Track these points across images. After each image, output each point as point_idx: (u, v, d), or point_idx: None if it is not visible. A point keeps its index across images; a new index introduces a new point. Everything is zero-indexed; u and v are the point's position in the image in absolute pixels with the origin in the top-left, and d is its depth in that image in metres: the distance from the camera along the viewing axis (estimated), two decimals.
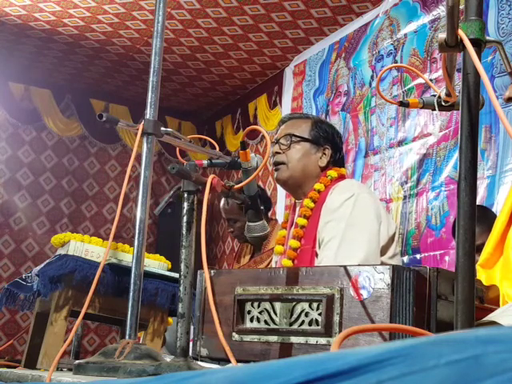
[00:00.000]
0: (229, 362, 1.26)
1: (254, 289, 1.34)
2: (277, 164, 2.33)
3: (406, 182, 4.05)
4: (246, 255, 3.57)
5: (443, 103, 1.37)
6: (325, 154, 2.33)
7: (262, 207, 1.65)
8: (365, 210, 2.14)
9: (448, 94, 1.33)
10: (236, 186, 1.45)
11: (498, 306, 1.45)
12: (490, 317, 1.32)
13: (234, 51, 5.66)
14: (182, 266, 1.30)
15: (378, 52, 4.51)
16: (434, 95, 1.40)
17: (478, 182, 3.25)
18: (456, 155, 3.66)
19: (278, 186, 4.41)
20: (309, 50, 5.38)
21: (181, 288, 1.29)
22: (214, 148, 1.75)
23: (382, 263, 2.09)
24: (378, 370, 0.43)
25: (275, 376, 0.47)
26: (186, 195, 1.34)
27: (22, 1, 4.95)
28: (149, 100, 1.52)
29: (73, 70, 6.30)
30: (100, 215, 6.82)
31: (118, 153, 6.94)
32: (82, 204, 6.74)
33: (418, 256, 3.87)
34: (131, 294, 1.39)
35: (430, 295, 1.17)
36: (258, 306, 1.34)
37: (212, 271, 1.43)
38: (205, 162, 1.63)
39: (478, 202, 1.53)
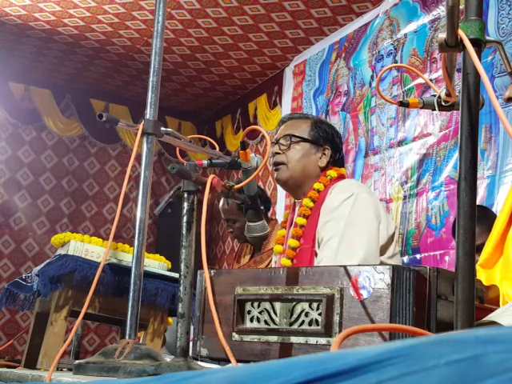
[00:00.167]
0: (229, 361, 1.26)
1: (253, 289, 1.34)
2: (277, 164, 2.33)
3: (406, 182, 4.05)
4: (246, 255, 3.57)
5: (443, 103, 1.37)
6: (324, 154, 2.33)
7: (261, 207, 1.65)
8: (364, 209, 2.14)
9: (448, 94, 1.33)
10: (236, 186, 1.45)
11: (498, 305, 1.45)
12: (490, 317, 1.32)
13: (233, 51, 5.66)
14: (182, 266, 1.30)
15: (378, 52, 4.51)
16: (434, 95, 1.40)
17: (478, 182, 3.25)
18: (456, 155, 3.66)
19: (278, 186, 4.40)
20: (309, 50, 5.38)
21: (181, 288, 1.29)
22: (214, 148, 1.75)
23: (382, 263, 2.09)
24: (377, 370, 0.43)
25: (275, 376, 0.47)
26: (185, 195, 1.34)
27: (22, 1, 4.95)
28: (149, 100, 1.52)
29: (73, 70, 6.30)
30: (100, 215, 6.82)
31: (117, 153, 6.94)
32: (82, 204, 6.74)
33: (417, 256, 3.87)
34: (131, 294, 1.39)
35: (430, 295, 1.17)
36: (258, 306, 1.34)
37: (212, 271, 1.43)
38: (205, 162, 1.63)
39: (478, 202, 1.53)
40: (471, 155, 0.86)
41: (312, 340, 1.22)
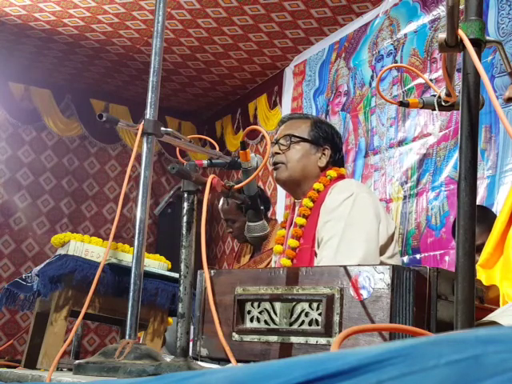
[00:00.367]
0: (229, 361, 1.26)
1: (253, 289, 1.34)
2: (276, 164, 2.33)
3: (406, 182, 4.05)
4: (246, 255, 3.57)
5: (443, 103, 1.37)
6: (324, 154, 2.33)
7: (261, 207, 1.65)
8: (364, 209, 2.14)
9: (448, 94, 1.33)
10: (236, 186, 1.45)
11: (498, 306, 1.45)
12: (490, 317, 1.32)
13: (234, 51, 5.66)
14: (182, 266, 1.30)
15: (378, 52, 4.51)
16: (434, 95, 1.40)
17: (478, 182, 3.25)
18: (456, 155, 3.66)
19: (278, 186, 4.41)
20: (309, 50, 5.38)
21: (181, 288, 1.29)
22: (214, 148, 1.75)
23: (382, 262, 2.09)
24: (377, 370, 0.43)
25: (275, 376, 0.47)
26: (185, 195, 1.34)
27: (22, 1, 4.95)
28: (149, 100, 1.52)
29: (73, 70, 6.30)
30: (100, 215, 6.82)
31: (117, 153, 6.94)
32: (82, 204, 6.74)
33: (417, 256, 3.87)
34: (131, 294, 1.39)
35: (430, 295, 1.17)
36: (258, 306, 1.34)
37: (212, 271, 1.43)
38: (205, 162, 1.63)
39: (478, 202, 1.53)
40: (471, 155, 0.86)
41: (312, 340, 1.22)
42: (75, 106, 6.59)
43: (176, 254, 1.36)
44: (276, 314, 1.30)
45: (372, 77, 4.55)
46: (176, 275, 1.68)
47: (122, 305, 1.60)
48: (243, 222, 3.22)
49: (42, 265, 1.80)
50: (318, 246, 2.15)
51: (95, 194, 6.82)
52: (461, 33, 0.87)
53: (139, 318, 1.39)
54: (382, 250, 2.15)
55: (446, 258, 3.65)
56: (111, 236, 1.41)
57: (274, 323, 1.30)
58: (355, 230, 2.09)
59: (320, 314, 1.22)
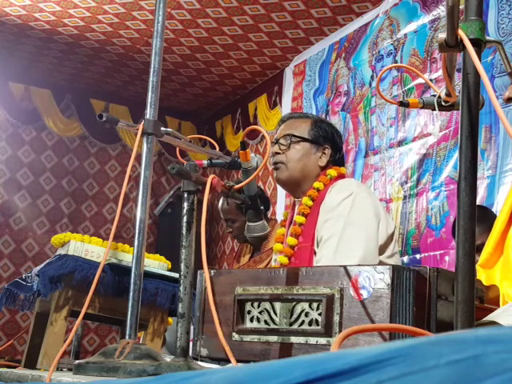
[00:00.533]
0: (229, 361, 1.26)
1: (254, 289, 1.34)
2: (276, 164, 2.33)
3: (406, 182, 4.05)
4: (246, 255, 3.57)
5: (443, 103, 1.37)
6: (324, 153, 2.33)
7: (261, 207, 1.65)
8: (363, 208, 2.14)
9: (448, 94, 1.33)
10: (236, 186, 1.45)
11: (498, 306, 1.45)
12: (490, 317, 1.32)
13: (233, 51, 5.66)
14: (182, 266, 1.30)
15: (378, 52, 4.51)
16: (434, 95, 1.40)
17: (478, 182, 3.25)
18: (456, 155, 3.66)
19: (278, 186, 4.41)
20: (309, 50, 5.38)
21: (181, 288, 1.29)
22: (214, 148, 1.75)
23: (381, 262, 2.09)
24: (377, 370, 0.43)
25: (275, 376, 0.47)
26: (185, 195, 1.34)
27: (22, 1, 4.95)
28: (149, 100, 1.52)
29: (73, 70, 6.30)
30: (100, 215, 6.82)
31: (117, 153, 6.94)
32: (82, 204, 6.74)
33: (417, 256, 3.87)
34: (131, 294, 1.39)
35: (430, 295, 1.17)
36: (258, 306, 1.34)
37: (212, 271, 1.43)
38: (205, 162, 1.62)
39: (478, 202, 1.53)
40: (471, 155, 0.86)
41: (312, 340, 1.22)
42: (75, 106, 6.59)
43: (176, 254, 1.36)
44: (276, 314, 1.30)
45: (372, 77, 4.55)
46: (176, 275, 1.68)
47: (122, 305, 1.60)
48: (243, 221, 3.22)
49: (42, 265, 1.80)
50: (318, 245, 2.15)
51: (95, 194, 6.82)
52: (461, 33, 0.87)
53: (139, 317, 1.39)
54: (382, 249, 2.15)
55: (446, 258, 3.65)
56: (111, 236, 1.41)
57: (274, 323, 1.30)
58: (355, 230, 2.09)
59: (320, 314, 1.22)
